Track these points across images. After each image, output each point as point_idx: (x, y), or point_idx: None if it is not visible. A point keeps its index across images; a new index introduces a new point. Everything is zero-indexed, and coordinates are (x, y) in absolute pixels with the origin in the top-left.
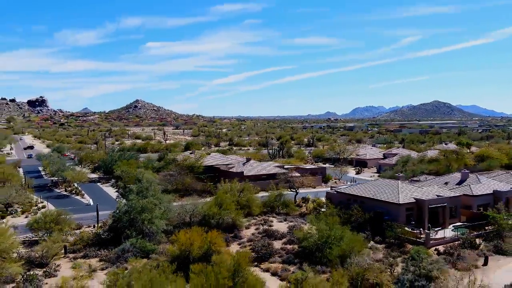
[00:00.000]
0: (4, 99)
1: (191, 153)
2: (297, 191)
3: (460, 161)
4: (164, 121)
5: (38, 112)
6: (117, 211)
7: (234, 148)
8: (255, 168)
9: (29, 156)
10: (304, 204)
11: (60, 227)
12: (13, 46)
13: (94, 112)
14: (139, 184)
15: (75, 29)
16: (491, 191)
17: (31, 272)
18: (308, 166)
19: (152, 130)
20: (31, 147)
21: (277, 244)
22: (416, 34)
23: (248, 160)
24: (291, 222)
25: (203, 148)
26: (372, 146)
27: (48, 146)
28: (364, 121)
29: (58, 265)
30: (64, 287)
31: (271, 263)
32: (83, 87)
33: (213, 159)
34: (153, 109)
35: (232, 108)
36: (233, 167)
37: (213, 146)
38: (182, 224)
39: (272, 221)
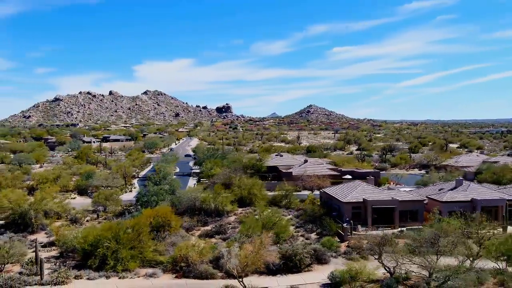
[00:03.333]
0: (198, 106)
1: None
2: (313, 190)
3: None
4: (328, 125)
5: (224, 118)
6: (138, 194)
7: (355, 152)
8: (305, 169)
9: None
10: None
11: (110, 202)
12: (215, 59)
13: (275, 117)
14: (157, 175)
15: (267, 40)
16: (469, 199)
17: (64, 225)
18: (362, 170)
19: (309, 134)
20: (171, 149)
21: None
22: None
23: (305, 161)
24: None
25: (325, 152)
26: (480, 153)
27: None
28: None
29: (82, 224)
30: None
31: (216, 238)
32: (273, 94)
33: (277, 160)
34: (325, 114)
35: (421, 111)
36: (291, 167)
37: (337, 149)
38: (191, 207)
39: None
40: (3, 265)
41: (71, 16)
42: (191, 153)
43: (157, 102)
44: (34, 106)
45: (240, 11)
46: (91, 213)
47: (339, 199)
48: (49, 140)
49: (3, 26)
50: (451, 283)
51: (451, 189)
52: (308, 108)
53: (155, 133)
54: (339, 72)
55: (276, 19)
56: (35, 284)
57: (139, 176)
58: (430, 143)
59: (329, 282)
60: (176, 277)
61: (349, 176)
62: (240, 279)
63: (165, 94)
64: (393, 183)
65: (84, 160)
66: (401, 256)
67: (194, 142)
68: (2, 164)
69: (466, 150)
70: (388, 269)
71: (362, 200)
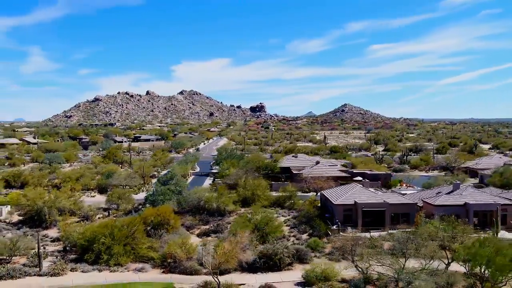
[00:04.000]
0: (232, 105)
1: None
2: (317, 191)
3: None
4: (362, 125)
5: (257, 117)
6: (147, 193)
7: (380, 153)
8: (316, 171)
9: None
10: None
11: (122, 200)
12: (251, 58)
13: (311, 116)
14: (164, 176)
15: (304, 39)
16: (462, 203)
17: (73, 222)
18: (374, 171)
19: (340, 133)
20: (198, 149)
21: None
22: None
23: (317, 163)
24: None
25: (349, 152)
26: (504, 155)
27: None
28: None
29: (93, 220)
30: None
31: (212, 237)
32: (309, 92)
33: (290, 161)
34: (359, 113)
35: (463, 109)
36: (303, 169)
37: (362, 150)
38: (196, 206)
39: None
40: (10, 257)
41: (113, 18)
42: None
43: (192, 101)
44: (75, 106)
45: (277, 10)
46: (104, 211)
47: (332, 201)
48: (83, 140)
49: (50, 29)
50: (417, 284)
51: (448, 193)
52: (342, 107)
53: (186, 133)
54: (377, 70)
55: (313, 17)
56: (34, 275)
57: (160, 175)
58: (461, 144)
59: (304, 280)
60: (163, 272)
61: (359, 178)
62: (215, 275)
63: (200, 94)
64: (406, 185)
65: (111, 159)
66: (367, 258)
67: (223, 142)
68: (36, 163)
69: (498, 151)
70: (361, 270)
71: (353, 203)
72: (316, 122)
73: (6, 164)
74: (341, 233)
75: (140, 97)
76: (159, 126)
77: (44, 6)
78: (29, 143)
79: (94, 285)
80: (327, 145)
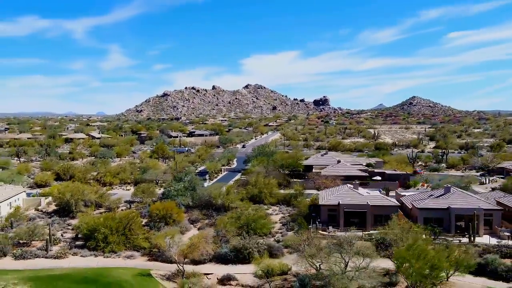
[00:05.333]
0: (296, 99)
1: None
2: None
3: None
4: (427, 119)
5: (320, 111)
6: (164, 190)
7: (431, 149)
8: (334, 170)
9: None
10: None
11: (145, 195)
12: (320, 50)
13: (381, 109)
14: (179, 174)
15: (374, 29)
16: (446, 207)
17: (95, 212)
18: (392, 171)
19: (399, 128)
20: (244, 145)
21: None
22: None
23: (338, 162)
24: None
25: (395, 149)
26: None
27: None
28: None
29: (115, 212)
30: (80, 217)
31: (207, 230)
32: (380, 84)
33: (314, 159)
34: (428, 106)
35: None
36: (325, 167)
37: (410, 147)
38: (206, 202)
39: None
40: (30, 241)
41: (185, 15)
42: None
43: (256, 95)
44: (145, 101)
45: (347, 4)
46: (128, 204)
47: (319, 200)
48: (142, 135)
49: (128, 27)
50: (362, 282)
51: (437, 196)
52: (410, 100)
53: (241, 127)
54: (455, 60)
55: (385, 6)
56: (42, 257)
57: (196, 171)
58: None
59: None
60: (148, 260)
61: (378, 178)
62: (181, 264)
63: (264, 88)
64: (427, 186)
65: (159, 154)
66: (313, 255)
67: (274, 137)
68: (92, 157)
69: None
70: (315, 266)
71: (337, 203)
72: (381, 115)
73: (67, 158)
74: (320, 231)
75: (206, 91)
76: (221, 120)
77: (122, 6)
78: (93, 137)
79: (86, 267)
80: (376, 141)
